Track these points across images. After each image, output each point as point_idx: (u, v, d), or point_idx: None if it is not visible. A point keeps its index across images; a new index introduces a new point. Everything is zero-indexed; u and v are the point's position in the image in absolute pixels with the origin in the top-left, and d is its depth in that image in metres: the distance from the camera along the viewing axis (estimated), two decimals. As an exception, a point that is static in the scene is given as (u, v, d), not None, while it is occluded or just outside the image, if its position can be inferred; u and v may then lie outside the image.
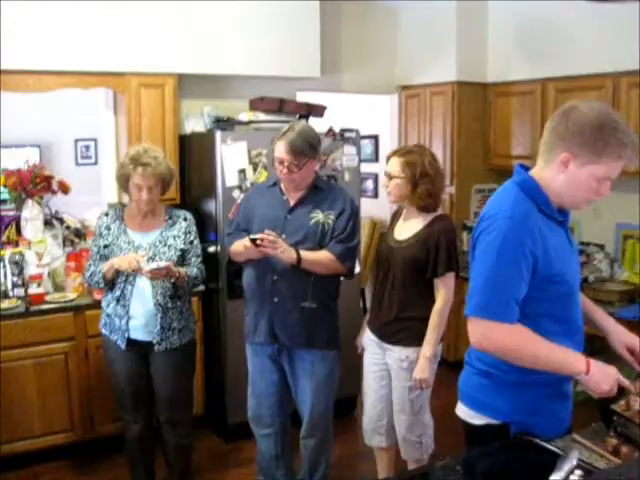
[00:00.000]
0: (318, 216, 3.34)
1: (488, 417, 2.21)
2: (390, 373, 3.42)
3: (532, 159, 5.15)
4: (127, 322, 3.48)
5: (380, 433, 3.57)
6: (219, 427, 4.63)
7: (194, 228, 3.63)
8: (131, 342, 3.51)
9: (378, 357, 3.45)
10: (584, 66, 4.86)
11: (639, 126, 4.37)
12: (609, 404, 2.14)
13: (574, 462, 1.75)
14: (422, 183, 3.27)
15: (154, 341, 3.49)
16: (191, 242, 3.59)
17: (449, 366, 5.42)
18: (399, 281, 3.31)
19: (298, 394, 3.50)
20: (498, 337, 2.06)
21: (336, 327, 3.48)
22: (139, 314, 3.48)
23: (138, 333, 3.50)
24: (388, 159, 3.39)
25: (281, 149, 3.27)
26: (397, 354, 3.33)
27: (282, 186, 3.43)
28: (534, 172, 2.19)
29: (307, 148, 3.28)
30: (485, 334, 2.07)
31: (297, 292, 3.31)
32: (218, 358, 4.50)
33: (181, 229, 3.57)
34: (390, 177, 3.32)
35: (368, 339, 3.51)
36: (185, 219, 3.61)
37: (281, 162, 3.27)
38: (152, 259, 3.41)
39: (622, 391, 2.14)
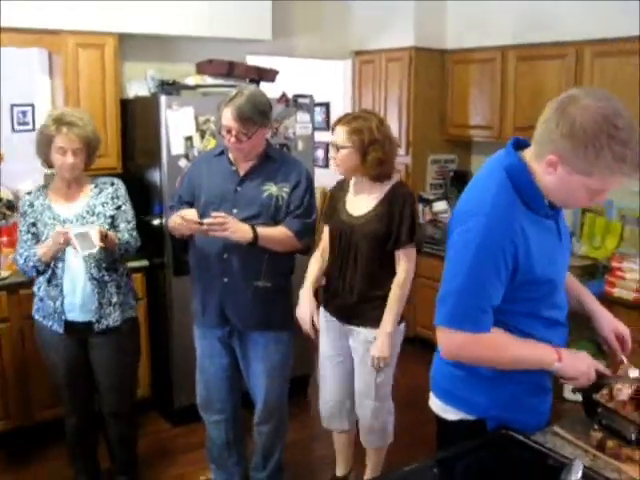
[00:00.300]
0: (271, 189, 3.09)
1: (463, 412, 2.03)
2: (352, 356, 3.24)
3: (491, 129, 5.16)
4: (62, 303, 3.19)
5: (341, 417, 3.41)
6: (166, 410, 4.41)
7: (122, 193, 3.32)
8: (69, 325, 3.22)
9: (337, 340, 3.26)
10: (546, 34, 4.69)
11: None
12: (591, 394, 1.97)
13: (579, 475, 1.58)
14: (372, 151, 3.03)
15: (93, 319, 3.21)
16: (118, 207, 3.28)
17: (405, 342, 5.32)
18: (362, 259, 3.10)
19: (251, 379, 3.29)
20: (472, 349, 1.89)
21: (290, 307, 3.27)
22: (74, 292, 3.19)
23: (75, 314, 3.21)
24: (333, 129, 3.13)
25: (228, 116, 2.97)
26: (364, 336, 3.14)
27: (230, 155, 3.15)
28: (527, 155, 1.90)
29: (257, 115, 2.99)
30: (458, 346, 1.90)
31: (249, 271, 3.08)
32: (164, 338, 4.26)
33: (108, 195, 3.27)
34: (337, 148, 3.07)
35: (325, 321, 3.30)
36: (112, 184, 3.31)
37: (228, 130, 2.99)
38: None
39: (602, 381, 1.98)
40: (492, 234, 1.82)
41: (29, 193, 3.34)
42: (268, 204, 3.08)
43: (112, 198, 3.27)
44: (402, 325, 3.23)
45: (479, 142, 5.56)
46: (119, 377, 3.35)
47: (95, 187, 3.28)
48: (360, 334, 3.15)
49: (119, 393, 3.38)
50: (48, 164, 3.23)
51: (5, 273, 3.94)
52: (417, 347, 5.01)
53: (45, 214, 3.20)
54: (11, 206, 4.29)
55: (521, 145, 1.95)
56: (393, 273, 3.10)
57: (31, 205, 3.26)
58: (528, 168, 1.87)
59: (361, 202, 3.15)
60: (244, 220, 3.00)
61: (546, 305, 1.98)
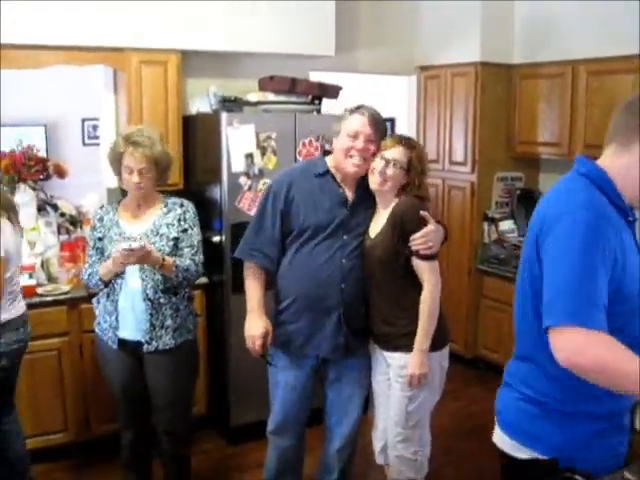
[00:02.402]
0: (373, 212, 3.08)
1: (535, 451, 1.91)
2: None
3: (559, 146, 4.99)
4: (116, 319, 3.19)
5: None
6: (222, 428, 4.37)
7: (191, 216, 3.27)
8: (122, 342, 3.22)
9: (382, 366, 3.13)
10: (618, 47, 4.51)
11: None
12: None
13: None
14: (418, 176, 2.99)
15: (143, 340, 3.18)
16: (184, 230, 3.23)
17: (467, 364, 5.18)
18: (382, 282, 2.99)
19: (339, 404, 3.25)
20: (596, 348, 1.68)
21: None
22: (128, 310, 3.18)
23: (127, 332, 3.20)
24: (388, 146, 2.97)
25: (361, 121, 2.94)
26: (397, 361, 3.00)
27: (337, 177, 3.07)
28: (600, 162, 1.92)
29: (384, 126, 3.05)
30: (580, 346, 1.69)
31: (359, 299, 3.06)
32: (221, 355, 4.23)
33: (176, 217, 3.24)
34: (391, 164, 2.93)
35: (372, 347, 3.18)
36: (182, 205, 3.28)
37: (356, 136, 2.94)
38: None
39: None
40: (595, 225, 1.74)
41: (101, 207, 3.38)
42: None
43: (179, 220, 3.23)
44: (446, 349, 3.09)
45: (547, 160, 5.38)
46: (173, 397, 3.31)
47: (165, 207, 3.26)
48: (394, 360, 3.02)
49: (173, 413, 3.35)
50: (121, 181, 3.26)
51: (66, 287, 3.98)
52: (481, 370, 4.87)
53: (112, 230, 3.20)
54: (74, 221, 4.33)
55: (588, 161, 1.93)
56: (418, 292, 2.97)
57: (101, 219, 3.28)
58: (605, 171, 1.88)
59: (376, 223, 3.04)
60: (355, 247, 3.01)
61: (630, 325, 1.84)
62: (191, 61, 4.47)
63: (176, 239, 3.21)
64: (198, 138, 4.39)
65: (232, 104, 4.20)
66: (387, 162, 2.93)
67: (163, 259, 3.08)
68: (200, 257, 3.26)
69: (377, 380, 3.18)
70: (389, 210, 2.99)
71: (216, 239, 4.15)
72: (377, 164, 2.95)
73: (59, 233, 4.27)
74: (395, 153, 2.96)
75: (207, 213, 4.16)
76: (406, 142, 3.02)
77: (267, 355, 3.18)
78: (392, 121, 6.60)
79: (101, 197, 4.56)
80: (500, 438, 2.02)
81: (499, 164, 5.45)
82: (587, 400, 1.83)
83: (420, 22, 5.57)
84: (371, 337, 3.14)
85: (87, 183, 4.78)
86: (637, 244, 1.91)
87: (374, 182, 2.96)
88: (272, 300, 3.21)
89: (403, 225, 2.91)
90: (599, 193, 1.84)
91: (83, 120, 8.20)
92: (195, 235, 3.26)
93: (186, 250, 3.21)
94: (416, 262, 2.93)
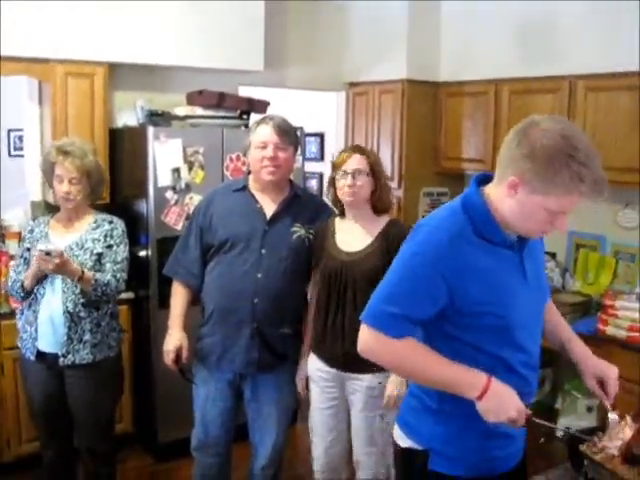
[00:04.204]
0: (300, 230, 3.09)
1: (411, 440, 2.05)
2: (346, 405, 3.09)
3: (483, 163, 5.11)
4: (36, 329, 3.15)
5: (338, 469, 3.22)
6: (149, 445, 4.31)
7: (118, 233, 3.26)
8: (41, 354, 3.17)
9: (333, 390, 3.08)
10: (540, 68, 4.67)
11: (595, 131, 4.21)
12: (577, 445, 1.90)
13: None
14: (384, 180, 3.04)
15: (59, 353, 3.14)
16: (109, 246, 3.21)
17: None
18: (361, 300, 2.83)
19: (258, 421, 3.22)
20: (382, 351, 1.95)
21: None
22: (47, 321, 3.14)
23: (45, 343, 3.16)
24: (345, 159, 2.98)
25: (267, 131, 3.00)
26: (367, 382, 2.97)
27: (254, 192, 3.10)
28: (488, 188, 1.94)
29: (292, 132, 3.10)
30: (370, 344, 1.96)
31: (277, 317, 3.06)
32: (147, 371, 4.18)
33: (103, 232, 3.23)
34: (354, 175, 2.94)
35: (317, 371, 3.11)
36: (110, 222, 3.28)
37: (265, 145, 2.98)
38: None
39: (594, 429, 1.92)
40: (429, 249, 1.87)
41: (34, 220, 3.39)
42: (298, 246, 3.07)
43: (105, 236, 3.22)
44: None
45: (472, 175, 5.50)
46: (94, 413, 3.26)
47: (94, 222, 3.26)
48: (362, 382, 2.98)
49: (94, 429, 3.29)
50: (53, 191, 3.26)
51: (-14, 303, 3.88)
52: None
53: (40, 242, 3.15)
54: (-5, 235, 4.23)
55: (488, 180, 1.96)
56: None
57: (31, 231, 3.28)
58: (484, 197, 1.91)
59: (354, 238, 3.01)
60: (274, 263, 3.02)
61: (497, 343, 1.93)
62: (118, 74, 4.43)
63: (100, 254, 3.19)
64: (125, 152, 4.35)
65: (159, 118, 4.19)
66: (352, 174, 2.94)
67: (82, 272, 3.05)
68: (122, 275, 3.23)
69: (325, 406, 3.13)
70: (374, 228, 3.00)
71: (142, 253, 4.11)
72: (343, 180, 2.95)
73: (-20, 247, 4.17)
74: (355, 163, 2.96)
75: (133, 227, 4.10)
76: (359, 150, 3.06)
77: (185, 371, 3.17)
78: (321, 136, 6.67)
79: (25, 210, 4.45)
80: (395, 428, 2.17)
81: (425, 179, 5.53)
82: (453, 399, 1.91)
83: (348, 39, 5.63)
84: (324, 356, 3.07)
85: (12, 196, 4.68)
86: (523, 269, 1.96)
87: (346, 196, 2.96)
88: (199, 315, 3.21)
89: (397, 248, 2.89)
90: (464, 219, 1.90)
91: (9, 131, 8.00)
92: (120, 252, 3.24)
93: (108, 265, 3.19)
94: None
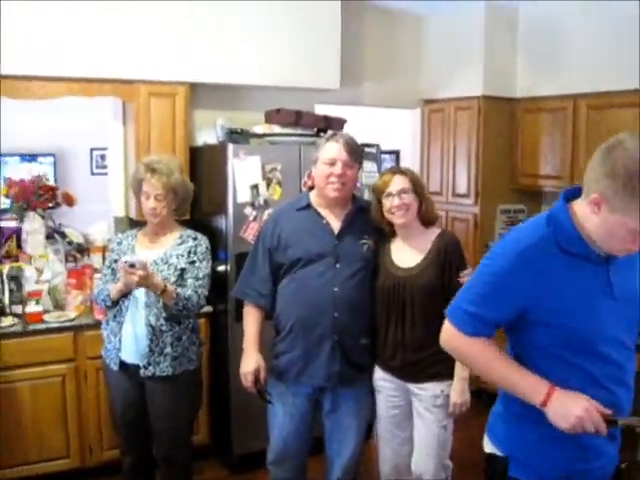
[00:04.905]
0: (368, 241, 3.13)
1: (494, 446, 2.10)
2: (410, 414, 3.14)
3: (561, 179, 5.04)
4: (120, 340, 3.25)
5: (404, 475, 3.25)
6: (225, 457, 4.37)
7: (202, 249, 3.34)
8: (124, 365, 3.27)
9: (397, 399, 3.14)
10: (619, 81, 4.59)
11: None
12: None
13: None
14: (427, 195, 3.14)
15: (141, 364, 3.23)
16: (192, 262, 3.30)
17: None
18: (419, 312, 3.01)
19: (336, 434, 3.25)
20: (456, 346, 2.08)
21: None
22: (130, 333, 3.24)
23: (128, 354, 3.26)
24: (387, 181, 3.06)
25: (336, 148, 3.04)
26: (431, 391, 3.03)
27: (319, 208, 3.15)
28: (576, 203, 1.94)
29: (359, 150, 3.14)
30: (447, 337, 2.09)
31: (355, 328, 3.10)
32: (224, 383, 4.25)
33: (187, 249, 3.31)
34: (400, 195, 3.01)
35: (380, 380, 3.18)
36: (195, 239, 3.36)
37: (333, 162, 3.02)
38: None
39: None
40: (512, 255, 1.93)
41: (123, 232, 3.52)
42: (369, 257, 3.11)
43: (189, 252, 3.30)
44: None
45: (550, 192, 5.44)
46: (172, 424, 3.33)
47: (179, 238, 3.35)
48: (425, 390, 3.04)
49: (171, 439, 3.37)
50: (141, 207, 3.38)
51: (72, 314, 4.02)
52: (483, 401, 4.85)
53: (127, 255, 3.26)
54: (81, 249, 4.38)
55: (578, 194, 1.97)
56: None
57: (119, 243, 3.40)
58: (570, 212, 1.93)
59: (408, 253, 3.08)
60: (348, 275, 3.06)
61: (580, 354, 1.93)
62: (199, 93, 4.56)
63: (183, 270, 3.26)
64: (204, 169, 4.46)
65: (238, 136, 4.28)
66: (398, 194, 3.01)
67: (165, 286, 3.13)
68: (204, 291, 3.30)
69: (389, 415, 3.18)
70: (425, 242, 3.07)
71: (221, 269, 4.20)
72: (391, 203, 3.03)
73: (66, 261, 4.33)
74: (398, 183, 3.05)
75: (212, 243, 4.17)
76: (397, 170, 3.14)
77: (263, 392, 3.20)
78: (397, 153, 6.69)
79: (109, 226, 4.62)
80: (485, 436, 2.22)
81: (502, 196, 5.50)
82: (535, 407, 1.90)
83: (424, 56, 5.66)
84: (385, 369, 3.14)
85: (95, 212, 4.85)
86: (610, 284, 1.95)
87: (397, 218, 3.04)
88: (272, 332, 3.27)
89: (450, 259, 3.01)
90: (547, 233, 1.92)
91: (92, 150, 8.30)
92: (203, 268, 3.31)
93: (190, 281, 3.26)
94: None
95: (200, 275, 3.29)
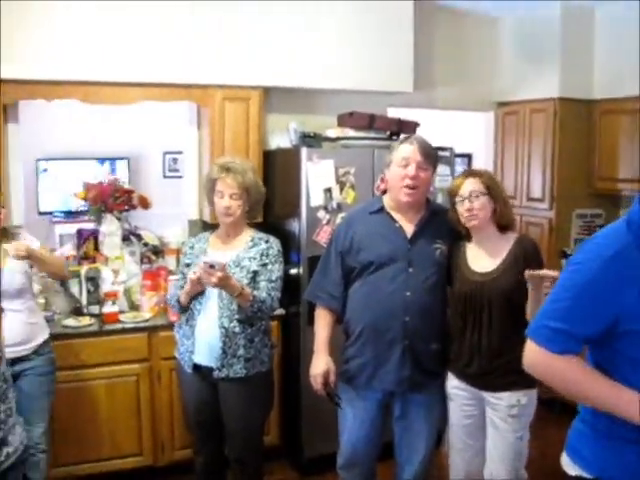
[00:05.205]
0: (442, 246, 3.10)
1: (581, 468, 1.97)
2: (483, 423, 3.08)
3: (640, 183, 4.88)
4: (193, 343, 3.28)
5: None
6: (295, 459, 4.39)
7: (274, 252, 3.35)
8: (197, 367, 3.31)
9: (471, 408, 3.09)
10: None
11: None
12: None
13: None
14: (502, 198, 3.05)
15: (214, 366, 3.25)
16: (264, 265, 3.30)
17: (542, 404, 5.05)
18: (496, 319, 2.95)
19: (405, 439, 3.23)
20: (544, 367, 1.93)
21: None
22: (203, 336, 3.26)
23: (201, 357, 3.29)
24: (460, 184, 3.03)
25: (410, 149, 3.02)
26: (507, 401, 2.97)
27: (391, 211, 3.12)
28: None
29: (434, 154, 3.11)
30: (533, 359, 1.96)
31: (426, 333, 3.08)
32: (296, 385, 4.26)
33: (259, 251, 3.32)
34: (472, 199, 2.97)
35: (454, 389, 3.13)
36: (267, 242, 3.37)
37: (407, 164, 3.00)
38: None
39: None
40: (593, 264, 1.84)
41: (195, 236, 3.55)
42: (442, 262, 3.09)
43: (261, 255, 3.31)
44: (535, 390, 3.03)
45: (629, 196, 5.28)
46: (245, 425, 3.35)
47: (251, 240, 3.36)
48: (501, 400, 2.98)
49: (244, 440, 3.39)
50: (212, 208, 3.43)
51: (147, 315, 4.10)
52: (555, 412, 4.75)
53: (200, 258, 3.28)
54: (157, 251, 4.46)
55: None
56: (523, 329, 2.96)
57: (192, 247, 3.44)
58: None
59: (485, 258, 3.03)
60: (421, 280, 3.04)
61: None
62: (272, 97, 4.59)
63: (255, 272, 3.27)
64: (278, 172, 4.48)
65: (311, 140, 4.30)
66: (469, 198, 2.97)
67: (242, 288, 3.15)
68: (277, 293, 3.31)
69: (463, 424, 3.14)
70: (502, 246, 3.02)
71: (293, 271, 4.21)
72: (461, 205, 2.99)
73: (142, 262, 4.41)
74: (469, 185, 3.01)
75: (285, 246, 4.19)
76: (470, 173, 3.12)
77: (333, 395, 3.20)
78: (469, 157, 6.60)
79: (183, 228, 4.68)
80: (563, 455, 2.09)
81: (578, 201, 5.37)
82: (626, 425, 1.83)
83: (498, 58, 5.57)
84: (460, 377, 3.10)
85: (169, 214, 4.94)
86: None
87: (469, 220, 3.00)
88: (342, 336, 3.26)
89: (529, 264, 2.90)
90: (628, 237, 1.84)
91: (164, 153, 8.45)
92: (275, 271, 3.32)
93: (262, 284, 3.27)
94: None
95: (273, 278, 3.30)
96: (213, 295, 3.24)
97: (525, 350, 1.96)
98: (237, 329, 3.24)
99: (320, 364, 3.17)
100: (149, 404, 4.06)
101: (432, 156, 3.08)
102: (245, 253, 3.31)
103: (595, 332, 1.87)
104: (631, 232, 1.85)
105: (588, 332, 1.87)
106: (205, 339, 3.26)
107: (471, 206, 2.97)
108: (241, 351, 3.25)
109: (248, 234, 3.39)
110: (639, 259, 1.82)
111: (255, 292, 3.22)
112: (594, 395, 1.88)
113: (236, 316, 3.23)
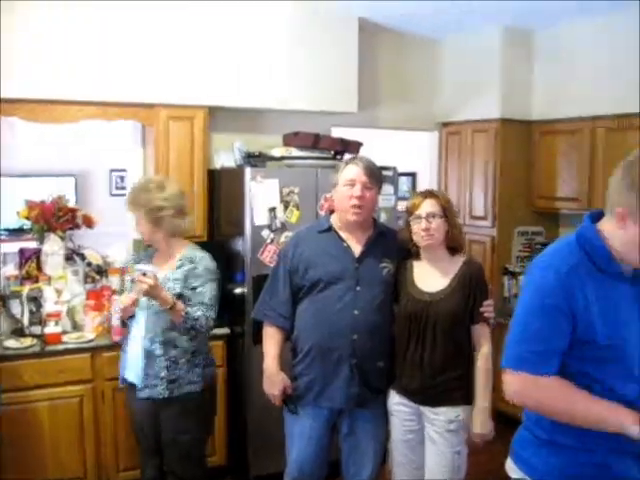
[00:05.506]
0: (389, 265, 3.15)
1: (523, 473, 2.07)
2: (424, 439, 3.12)
3: (579, 201, 5.03)
4: (125, 360, 3.35)
5: None
6: (241, 478, 4.36)
7: (200, 272, 3.30)
8: (127, 381, 3.38)
9: (412, 424, 3.13)
10: (635, 104, 4.58)
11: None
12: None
13: None
14: (457, 221, 3.15)
15: (138, 385, 3.28)
16: (193, 288, 3.28)
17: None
18: (441, 337, 2.99)
19: (353, 456, 3.26)
20: (532, 391, 1.98)
21: None
22: (130, 355, 3.34)
23: (130, 374, 3.35)
24: (418, 204, 3.07)
25: (355, 170, 3.08)
26: (444, 416, 3.01)
27: (339, 231, 3.17)
28: (601, 223, 1.99)
29: (379, 174, 3.17)
30: (519, 387, 1.99)
31: (374, 351, 3.11)
32: (241, 405, 4.26)
33: (183, 272, 3.29)
34: (432, 217, 3.03)
35: (396, 405, 3.16)
36: (191, 261, 3.32)
37: (353, 184, 3.05)
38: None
39: None
40: (550, 285, 1.93)
41: (140, 252, 3.64)
42: (389, 281, 3.13)
43: (185, 277, 3.28)
44: (472, 407, 3.08)
45: (567, 214, 5.43)
46: (179, 442, 3.34)
47: (179, 260, 3.34)
48: (440, 415, 3.02)
49: (183, 459, 3.38)
50: None
51: (90, 335, 4.05)
52: (501, 424, 4.81)
53: (137, 265, 3.30)
54: (100, 271, 4.42)
55: (599, 217, 2.01)
56: (469, 346, 3.04)
57: (138, 261, 3.46)
58: (598, 231, 1.96)
59: (433, 277, 3.09)
60: (368, 299, 3.08)
61: (616, 376, 1.94)
62: (217, 117, 4.60)
63: (180, 295, 3.25)
64: (222, 191, 4.49)
65: (256, 159, 4.33)
66: (426, 218, 3.03)
67: (174, 303, 3.15)
68: (212, 313, 3.29)
69: (404, 439, 3.17)
70: (450, 268, 3.08)
71: (238, 291, 4.21)
72: (417, 225, 3.04)
73: (85, 282, 4.37)
74: (428, 206, 3.06)
75: (230, 265, 4.24)
76: (429, 194, 3.15)
77: (290, 404, 3.22)
78: (413, 176, 6.70)
79: (127, 247, 4.65)
80: (507, 461, 2.19)
81: (519, 219, 5.49)
82: (566, 431, 1.93)
83: (441, 79, 5.68)
84: (401, 393, 3.13)
85: (114, 233, 4.89)
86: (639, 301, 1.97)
87: (423, 241, 3.05)
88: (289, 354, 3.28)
89: (475, 288, 3.02)
90: (579, 253, 1.95)
91: (111, 171, 8.39)
92: (207, 292, 3.29)
93: (196, 306, 3.25)
94: (479, 326, 3.04)
95: (205, 300, 3.28)
96: (142, 315, 3.29)
97: (505, 383, 2.01)
98: (158, 351, 3.25)
99: (277, 382, 3.18)
100: (93, 426, 4.00)
101: (377, 176, 3.14)
102: (171, 274, 3.30)
103: (567, 342, 1.94)
104: (581, 248, 1.95)
105: (563, 344, 1.94)
106: (132, 358, 3.32)
107: (428, 226, 3.02)
108: (163, 373, 3.25)
109: (181, 253, 3.38)
110: (589, 274, 1.92)
111: (188, 309, 3.22)
112: (582, 409, 1.94)
113: (158, 338, 3.24)
